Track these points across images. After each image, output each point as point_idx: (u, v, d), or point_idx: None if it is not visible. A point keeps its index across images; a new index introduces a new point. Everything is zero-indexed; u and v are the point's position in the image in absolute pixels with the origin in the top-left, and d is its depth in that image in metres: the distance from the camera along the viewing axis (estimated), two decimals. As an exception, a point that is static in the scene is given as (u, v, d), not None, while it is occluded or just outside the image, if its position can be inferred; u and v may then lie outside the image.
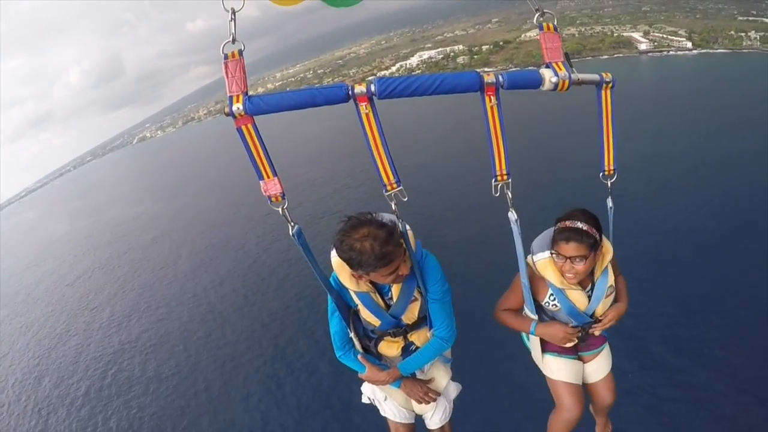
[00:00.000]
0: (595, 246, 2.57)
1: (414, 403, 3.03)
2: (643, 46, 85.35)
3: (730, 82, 53.25)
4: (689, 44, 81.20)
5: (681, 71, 68.51)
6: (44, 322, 32.00)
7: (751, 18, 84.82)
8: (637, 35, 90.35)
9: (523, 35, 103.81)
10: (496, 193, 2.15)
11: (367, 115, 1.90)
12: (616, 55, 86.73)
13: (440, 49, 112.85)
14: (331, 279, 2.52)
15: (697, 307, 16.90)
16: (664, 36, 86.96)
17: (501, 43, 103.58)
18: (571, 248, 2.54)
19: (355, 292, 2.49)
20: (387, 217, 2.37)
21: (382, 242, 2.15)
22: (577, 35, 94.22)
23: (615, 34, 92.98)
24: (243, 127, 1.87)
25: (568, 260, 2.58)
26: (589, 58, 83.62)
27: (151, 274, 34.53)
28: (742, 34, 78.42)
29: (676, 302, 17.37)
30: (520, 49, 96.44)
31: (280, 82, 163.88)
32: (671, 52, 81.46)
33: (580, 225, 2.53)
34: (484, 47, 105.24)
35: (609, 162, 2.46)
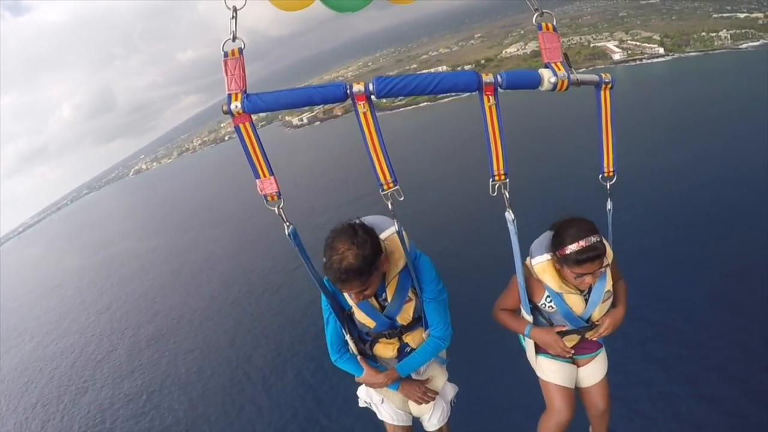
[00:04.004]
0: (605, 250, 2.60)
1: (412, 405, 3.00)
2: (617, 56, 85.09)
3: (699, 86, 54.17)
4: (661, 50, 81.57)
5: (650, 80, 68.29)
6: (83, 346, 34.01)
7: (725, 14, 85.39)
8: (611, 45, 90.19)
9: (503, 51, 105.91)
10: (493, 192, 2.15)
11: (365, 113, 1.90)
12: (591, 68, 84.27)
13: (425, 71, 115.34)
14: (325, 280, 2.49)
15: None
16: (638, 43, 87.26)
17: (483, 61, 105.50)
18: (596, 265, 2.54)
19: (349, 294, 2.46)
20: (379, 223, 2.47)
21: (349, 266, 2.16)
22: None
23: (591, 45, 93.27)
24: (240, 126, 1.87)
25: (591, 274, 2.58)
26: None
27: (177, 300, 36.41)
28: (713, 34, 78.56)
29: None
30: (501, 67, 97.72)
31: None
32: (644, 60, 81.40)
33: (594, 240, 2.51)
34: (467, 67, 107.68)
35: (608, 164, 2.46)
